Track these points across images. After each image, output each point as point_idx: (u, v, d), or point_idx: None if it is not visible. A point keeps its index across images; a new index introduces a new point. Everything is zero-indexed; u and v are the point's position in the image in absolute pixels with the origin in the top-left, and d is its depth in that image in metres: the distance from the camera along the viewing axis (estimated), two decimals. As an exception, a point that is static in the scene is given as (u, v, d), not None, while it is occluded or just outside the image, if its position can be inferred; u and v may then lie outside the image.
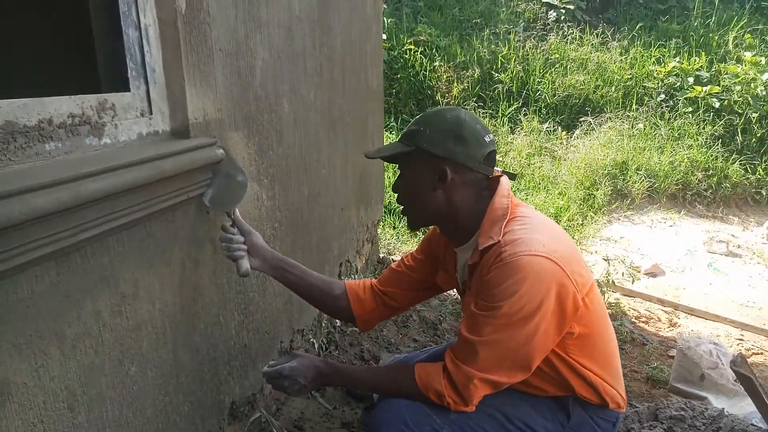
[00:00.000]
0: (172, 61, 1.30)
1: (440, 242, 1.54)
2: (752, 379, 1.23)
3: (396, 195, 1.42)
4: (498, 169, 1.40)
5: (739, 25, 6.55)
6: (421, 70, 6.30)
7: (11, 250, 0.85)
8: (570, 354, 1.28)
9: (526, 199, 4.77)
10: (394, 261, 3.65)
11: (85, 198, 0.95)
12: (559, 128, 5.81)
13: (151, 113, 1.27)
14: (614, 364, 1.37)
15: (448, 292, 2.87)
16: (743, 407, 1.85)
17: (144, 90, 1.25)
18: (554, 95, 6.03)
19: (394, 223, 4.41)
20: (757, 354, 2.63)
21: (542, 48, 6.55)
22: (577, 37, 6.77)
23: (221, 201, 1.41)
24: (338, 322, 2.63)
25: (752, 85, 5.71)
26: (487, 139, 1.33)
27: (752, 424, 1.31)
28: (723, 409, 1.38)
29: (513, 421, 1.32)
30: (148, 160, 1.13)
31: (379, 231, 3.66)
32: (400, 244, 4.06)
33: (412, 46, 6.38)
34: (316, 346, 2.35)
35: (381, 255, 3.62)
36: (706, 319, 3.04)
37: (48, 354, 0.97)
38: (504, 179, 1.37)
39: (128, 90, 1.22)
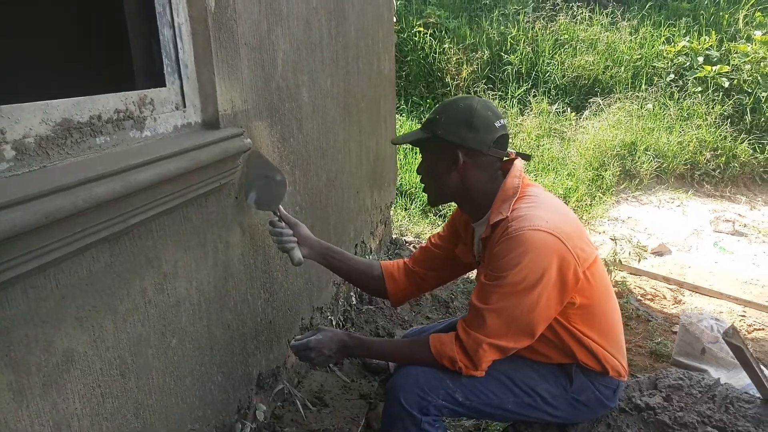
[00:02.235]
0: (202, 56, 1.39)
1: (461, 219, 1.67)
2: (743, 348, 1.32)
3: (419, 176, 1.56)
4: (512, 151, 1.50)
5: (750, 3, 6.51)
6: (430, 53, 6.33)
7: (75, 234, 0.96)
8: (572, 323, 1.39)
9: (536, 179, 4.84)
10: (406, 241, 3.77)
11: (134, 187, 1.06)
12: (569, 109, 5.85)
13: (184, 106, 1.37)
14: (615, 335, 1.47)
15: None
16: (741, 379, 1.95)
17: (178, 85, 1.35)
18: (563, 76, 6.06)
19: (406, 205, 4.50)
20: (759, 330, 2.72)
21: (551, 29, 6.56)
22: (587, 17, 6.76)
23: (266, 202, 1.57)
24: (354, 301, 2.75)
25: (762, 64, 5.70)
26: (497, 124, 1.43)
27: (746, 393, 1.40)
28: (718, 378, 1.48)
29: (519, 385, 1.43)
30: (186, 150, 1.23)
31: (391, 213, 3.76)
32: (411, 225, 4.16)
33: (422, 29, 6.40)
34: (334, 323, 2.46)
35: (394, 236, 3.73)
36: (710, 296, 3.13)
37: (103, 326, 1.08)
38: (518, 161, 1.48)
39: (164, 85, 1.31)
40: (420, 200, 4.53)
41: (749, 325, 2.77)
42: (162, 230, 1.23)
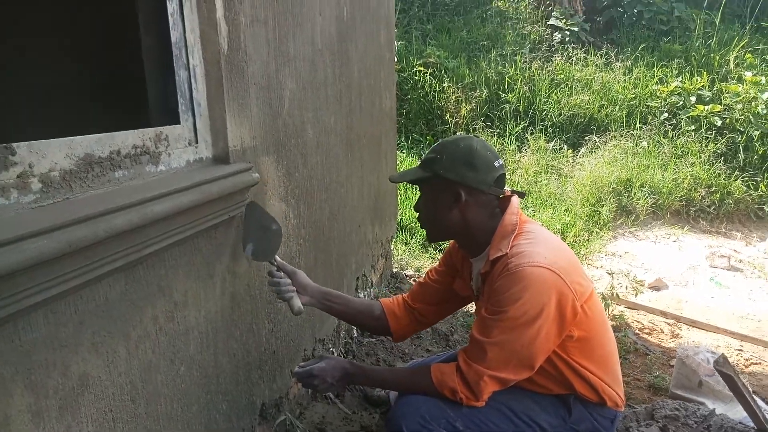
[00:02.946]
0: (215, 95, 1.47)
1: (458, 254, 1.71)
2: (733, 377, 1.35)
3: (417, 213, 1.60)
4: (508, 189, 1.57)
5: (740, 45, 6.71)
6: (430, 91, 6.49)
7: (95, 262, 1.01)
8: (570, 355, 1.43)
9: (534, 215, 4.91)
10: (406, 275, 3.81)
11: (150, 218, 1.11)
12: (565, 146, 5.96)
13: (197, 142, 1.44)
14: (612, 366, 1.51)
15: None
16: (738, 412, 1.97)
17: (191, 122, 1.42)
18: (560, 114, 6.20)
19: (406, 240, 4.56)
20: (756, 364, 2.74)
21: (548, 69, 6.74)
22: (582, 57, 6.95)
23: (263, 252, 1.60)
24: (355, 333, 2.78)
25: (753, 103, 5.85)
26: (496, 164, 1.49)
27: (740, 423, 1.43)
28: (714, 409, 1.51)
29: (519, 415, 1.46)
30: (198, 184, 1.30)
31: (392, 247, 3.81)
32: (411, 259, 4.20)
33: (422, 68, 6.58)
34: (336, 355, 2.49)
35: (394, 270, 3.77)
36: (707, 330, 3.16)
37: (117, 352, 1.12)
38: (514, 198, 1.54)
39: (178, 122, 1.38)
40: (420, 235, 4.59)
41: (746, 360, 2.79)
42: (174, 260, 1.29)
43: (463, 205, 1.49)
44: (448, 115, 6.42)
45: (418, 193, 1.62)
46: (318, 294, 1.71)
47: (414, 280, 3.77)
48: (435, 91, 6.49)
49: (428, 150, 1.57)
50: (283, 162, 1.84)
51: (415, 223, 4.76)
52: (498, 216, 1.51)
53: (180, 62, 1.38)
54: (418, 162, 1.72)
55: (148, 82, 1.46)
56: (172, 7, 1.34)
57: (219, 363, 1.51)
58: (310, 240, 2.09)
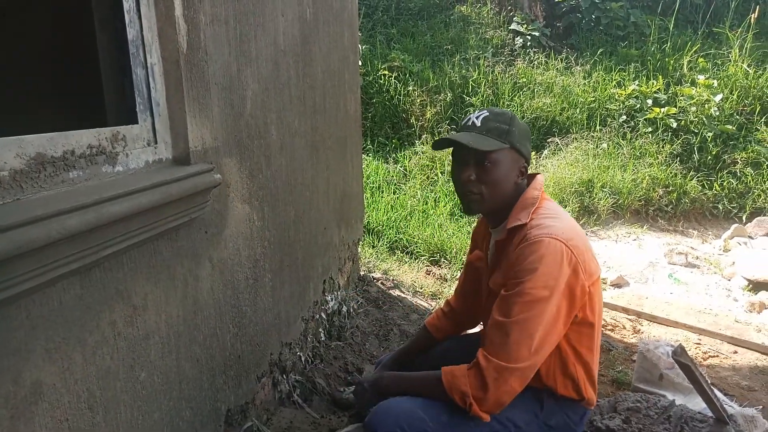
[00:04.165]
0: (174, 95, 1.44)
1: (480, 230, 1.77)
2: (690, 366, 1.39)
3: (468, 181, 1.48)
4: None
5: (693, 50, 6.94)
6: (395, 95, 6.51)
7: (47, 265, 0.97)
8: (571, 341, 1.44)
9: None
10: (374, 278, 3.80)
11: (106, 219, 1.08)
12: (528, 149, 6.05)
13: (156, 143, 1.40)
14: (597, 362, 1.54)
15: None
16: (697, 403, 2.03)
17: (150, 122, 1.39)
18: (523, 117, 6.29)
19: (373, 242, 4.55)
20: (713, 356, 2.83)
21: (510, 73, 6.84)
22: (543, 62, 7.09)
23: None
24: (323, 337, 2.75)
25: (706, 106, 6.05)
26: None
27: (699, 413, 1.47)
28: (674, 399, 1.55)
29: (498, 417, 1.44)
30: (157, 184, 1.27)
31: (359, 249, 3.80)
32: (379, 262, 4.20)
33: (387, 72, 6.60)
34: (303, 359, 2.46)
35: (362, 273, 3.76)
36: (667, 325, 3.25)
37: (72, 359, 1.08)
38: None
39: (136, 122, 1.35)
40: (387, 237, 4.59)
41: (704, 353, 2.88)
42: (133, 263, 1.25)
43: (522, 177, 1.51)
44: (413, 118, 6.45)
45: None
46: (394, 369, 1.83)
47: (382, 283, 3.77)
48: (400, 95, 6.51)
49: (487, 117, 1.50)
50: (246, 163, 1.81)
51: (382, 226, 4.76)
52: (523, 188, 1.53)
53: (137, 60, 1.35)
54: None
55: (104, 80, 1.42)
56: (128, 4, 1.31)
57: (182, 368, 1.48)
58: (275, 243, 2.06)
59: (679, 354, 1.40)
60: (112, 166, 1.25)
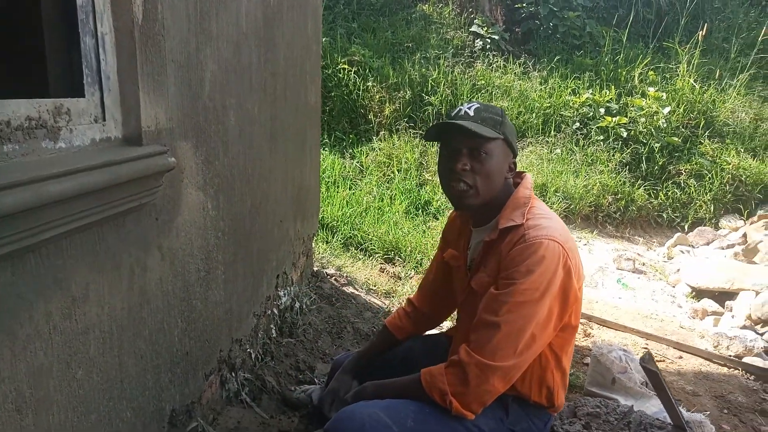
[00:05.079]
0: (126, 69, 1.32)
1: (454, 228, 1.71)
2: (658, 374, 1.39)
3: (462, 171, 1.41)
4: None
5: (644, 63, 7.17)
6: (354, 90, 6.43)
7: (-26, 248, 0.86)
8: (554, 346, 1.41)
9: (454, 217, 4.97)
10: (328, 274, 3.72)
11: (46, 199, 0.97)
12: (485, 151, 6.09)
13: (104, 120, 1.29)
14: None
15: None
16: (648, 407, 2.05)
17: (98, 96, 1.27)
18: (480, 119, 6.33)
19: (327, 238, 4.47)
20: (660, 361, 2.89)
21: (469, 74, 6.88)
22: (501, 65, 7.16)
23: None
24: (274, 333, 2.66)
25: (655, 117, 6.26)
26: None
27: (657, 419, 1.47)
28: (632, 405, 1.55)
29: (465, 423, 1.39)
30: (104, 164, 1.16)
31: (313, 244, 3.71)
32: (333, 257, 4.12)
33: (346, 66, 6.51)
34: (253, 356, 2.36)
35: (315, 268, 3.67)
36: (616, 329, 3.31)
37: (0, 354, 0.97)
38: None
39: (83, 96, 1.23)
40: (342, 233, 4.52)
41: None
42: (74, 249, 1.14)
43: (511, 173, 1.48)
44: (371, 114, 6.39)
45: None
46: (356, 375, 1.74)
47: (335, 280, 3.69)
48: (359, 90, 6.44)
49: (479, 108, 1.44)
50: (203, 149, 1.70)
51: (337, 221, 4.68)
52: (511, 187, 1.50)
53: (86, 28, 1.23)
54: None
55: (48, 48, 1.29)
56: (78, -36, 1.19)
57: (124, 365, 1.36)
58: (229, 234, 1.96)
59: (647, 361, 1.40)
60: (53, 142, 1.13)
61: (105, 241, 1.24)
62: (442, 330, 2.15)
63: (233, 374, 2.16)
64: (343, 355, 1.92)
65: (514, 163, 1.50)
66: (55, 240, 1.07)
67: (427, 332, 1.89)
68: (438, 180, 1.56)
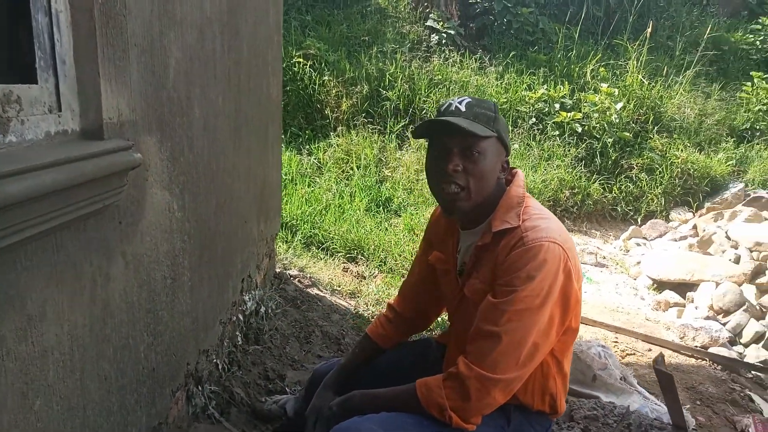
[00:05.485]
0: (85, 52, 1.16)
1: (438, 228, 1.60)
2: (672, 377, 1.35)
3: (454, 172, 1.32)
4: None
5: (595, 59, 7.31)
6: (310, 84, 6.26)
7: None
8: (555, 352, 1.34)
9: (417, 213, 4.91)
10: (291, 275, 3.57)
11: (-3, 203, 0.82)
12: (444, 146, 6.05)
13: (60, 110, 1.12)
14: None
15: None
16: (631, 404, 2.03)
17: (53, 83, 1.11)
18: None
19: (287, 238, 4.31)
20: (630, 354, 2.91)
21: (426, 69, 6.82)
22: (458, 60, 7.14)
23: None
24: (240, 341, 2.50)
25: (607, 113, 6.38)
26: None
27: (656, 419, 1.44)
28: (628, 406, 1.51)
29: None
30: (64, 161, 1.00)
31: (275, 245, 3.55)
32: (295, 258, 3.97)
33: (301, 60, 6.33)
34: (219, 367, 2.21)
35: (278, 270, 3.52)
36: (586, 324, 3.32)
37: (-58, 390, 0.81)
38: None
39: (35, 82, 1.07)
40: (302, 232, 4.37)
41: (622, 351, 2.96)
42: (28, 260, 0.98)
43: (504, 173, 1.39)
44: (328, 109, 6.24)
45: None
46: (338, 390, 1.59)
47: (299, 281, 3.55)
48: (315, 84, 6.27)
49: (471, 103, 1.34)
50: (168, 144, 1.55)
51: (297, 221, 4.53)
52: (503, 187, 1.40)
53: (39, 4, 1.06)
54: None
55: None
56: (27, -72, 1.02)
57: (86, 390, 1.20)
58: (195, 236, 1.80)
59: (659, 363, 1.36)
60: (1, 135, 0.96)
61: (64, 249, 1.08)
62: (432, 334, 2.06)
63: (200, 388, 2.01)
64: (323, 364, 1.80)
65: (507, 162, 1.42)
66: (5, 251, 0.90)
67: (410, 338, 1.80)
68: (426, 179, 1.46)
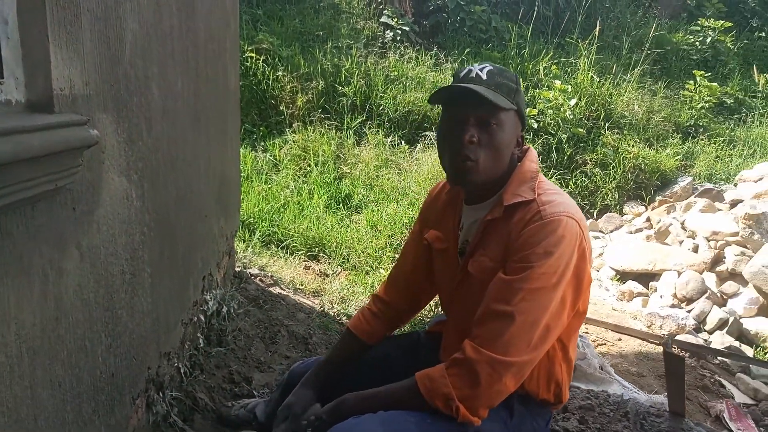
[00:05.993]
0: (31, 12, 1.01)
1: (437, 204, 1.52)
2: (683, 359, 1.31)
3: (469, 143, 1.24)
4: None
5: (547, 57, 7.42)
6: (263, 79, 6.08)
7: None
8: (561, 337, 1.27)
9: (378, 209, 4.82)
10: (251, 274, 3.41)
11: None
12: (403, 142, 6.00)
13: (2, 77, 0.97)
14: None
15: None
16: (613, 390, 2.00)
17: (-8, 45, 0.96)
18: (396, 110, 6.22)
19: (245, 236, 4.14)
20: (602, 344, 2.91)
21: (382, 65, 6.75)
22: (414, 57, 7.10)
23: None
24: (201, 343, 2.34)
25: (561, 109, 6.47)
26: None
27: (651, 406, 1.40)
28: (622, 394, 1.46)
29: (468, 430, 1.21)
30: (8, 132, 0.86)
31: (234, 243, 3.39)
32: (254, 257, 3.81)
33: (254, 54, 6.14)
34: (181, 371, 2.05)
35: (237, 268, 3.35)
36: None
37: None
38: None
39: (-29, 43, 0.92)
40: (262, 230, 4.21)
41: (593, 341, 2.95)
42: (-33, 248, 0.83)
43: (518, 147, 1.33)
44: (283, 105, 6.08)
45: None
46: (318, 389, 1.48)
47: (260, 280, 3.40)
48: (269, 80, 6.10)
49: (492, 71, 1.26)
50: (125, 124, 1.40)
51: (255, 218, 4.36)
52: (515, 162, 1.34)
53: (-27, -50, 0.91)
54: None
55: None
56: None
57: (37, 398, 1.05)
58: (155, 228, 1.66)
59: (670, 347, 1.31)
60: (-70, 100, 0.81)
61: (10, 237, 0.93)
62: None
63: (161, 394, 1.85)
64: (300, 363, 1.68)
65: (522, 137, 1.36)
66: (-61, 235, 0.76)
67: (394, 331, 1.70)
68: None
